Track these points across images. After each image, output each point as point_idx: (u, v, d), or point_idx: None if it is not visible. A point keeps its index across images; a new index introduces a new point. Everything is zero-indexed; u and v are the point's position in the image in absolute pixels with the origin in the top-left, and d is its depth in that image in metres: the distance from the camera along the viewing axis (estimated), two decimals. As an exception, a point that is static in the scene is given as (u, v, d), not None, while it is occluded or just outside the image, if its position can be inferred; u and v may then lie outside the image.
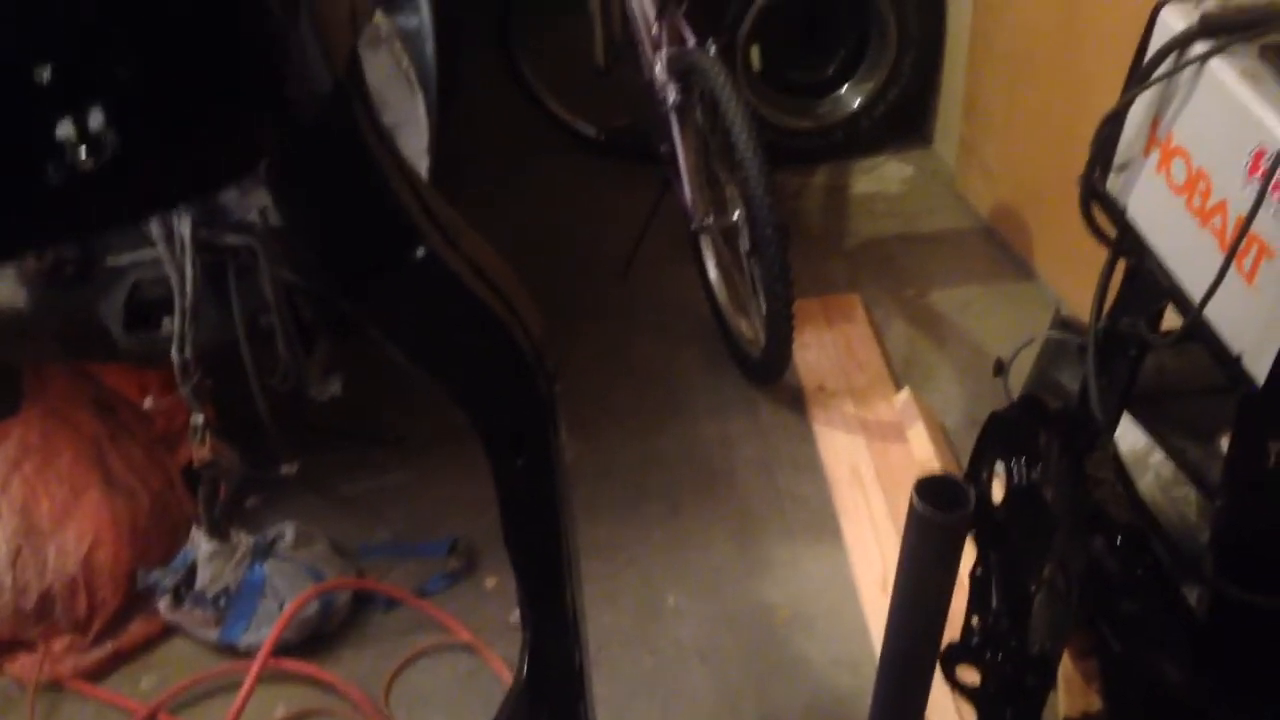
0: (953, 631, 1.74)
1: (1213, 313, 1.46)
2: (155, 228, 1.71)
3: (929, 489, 0.89)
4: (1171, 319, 1.69)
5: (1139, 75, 1.59)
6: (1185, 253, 1.54)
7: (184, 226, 1.68)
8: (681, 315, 2.92)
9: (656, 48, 2.70)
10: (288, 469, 2.10)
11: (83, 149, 0.61)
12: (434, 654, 2.14)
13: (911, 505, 0.90)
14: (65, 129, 0.61)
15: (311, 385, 1.97)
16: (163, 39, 0.63)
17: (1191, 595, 1.65)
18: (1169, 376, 1.80)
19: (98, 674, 2.10)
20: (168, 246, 1.70)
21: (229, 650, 2.10)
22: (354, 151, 1.10)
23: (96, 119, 0.61)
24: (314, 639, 2.12)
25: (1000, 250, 3.11)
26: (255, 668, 1.96)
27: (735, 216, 2.56)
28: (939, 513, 0.88)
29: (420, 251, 1.19)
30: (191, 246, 1.69)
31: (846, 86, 3.51)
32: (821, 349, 2.79)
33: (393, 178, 1.18)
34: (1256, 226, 1.37)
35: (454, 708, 2.03)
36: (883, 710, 1.14)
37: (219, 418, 2.05)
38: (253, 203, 1.73)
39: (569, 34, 3.35)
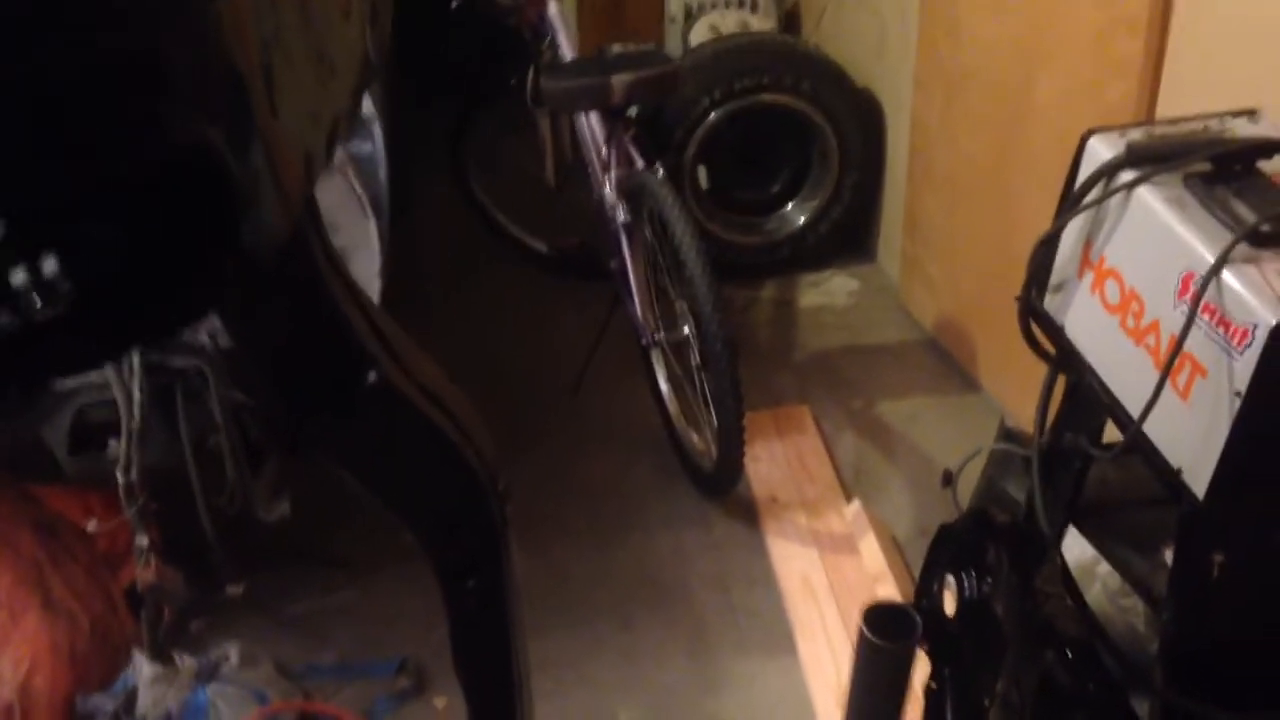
0: (909, 749, 1.73)
1: (1151, 429, 1.50)
2: (105, 348, 1.70)
3: (877, 617, 0.90)
4: (1113, 432, 1.73)
5: (1070, 200, 1.65)
6: (1122, 370, 1.59)
7: (133, 351, 1.68)
8: (633, 430, 2.94)
9: (606, 169, 2.77)
10: (234, 590, 2.06)
11: (37, 297, 0.61)
12: (382, 780, 2.09)
13: (860, 633, 0.90)
14: (19, 277, 0.61)
15: (260, 506, 1.94)
16: (119, 193, 0.64)
17: (1142, 708, 1.66)
18: (1112, 488, 1.83)
19: (31, 807, 2.02)
20: (115, 370, 1.69)
21: (169, 779, 2.04)
22: (308, 285, 1.11)
23: (50, 267, 0.62)
24: (258, 766, 2.07)
25: (945, 362, 3.17)
26: (196, 798, 1.90)
27: (685, 331, 2.61)
28: (887, 641, 0.89)
29: (371, 376, 1.20)
30: (140, 370, 1.68)
31: (792, 204, 3.60)
32: (773, 461, 2.81)
33: (344, 304, 1.19)
34: (1189, 346, 1.42)
35: (403, 835, 1.97)
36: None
37: (164, 539, 2.01)
38: (203, 325, 1.73)
39: (520, 154, 3.43)
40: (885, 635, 0.90)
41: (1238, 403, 1.34)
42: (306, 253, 1.09)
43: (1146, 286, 1.52)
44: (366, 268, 1.83)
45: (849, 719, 1.00)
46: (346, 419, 1.24)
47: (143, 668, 2.03)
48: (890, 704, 0.94)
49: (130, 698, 2.05)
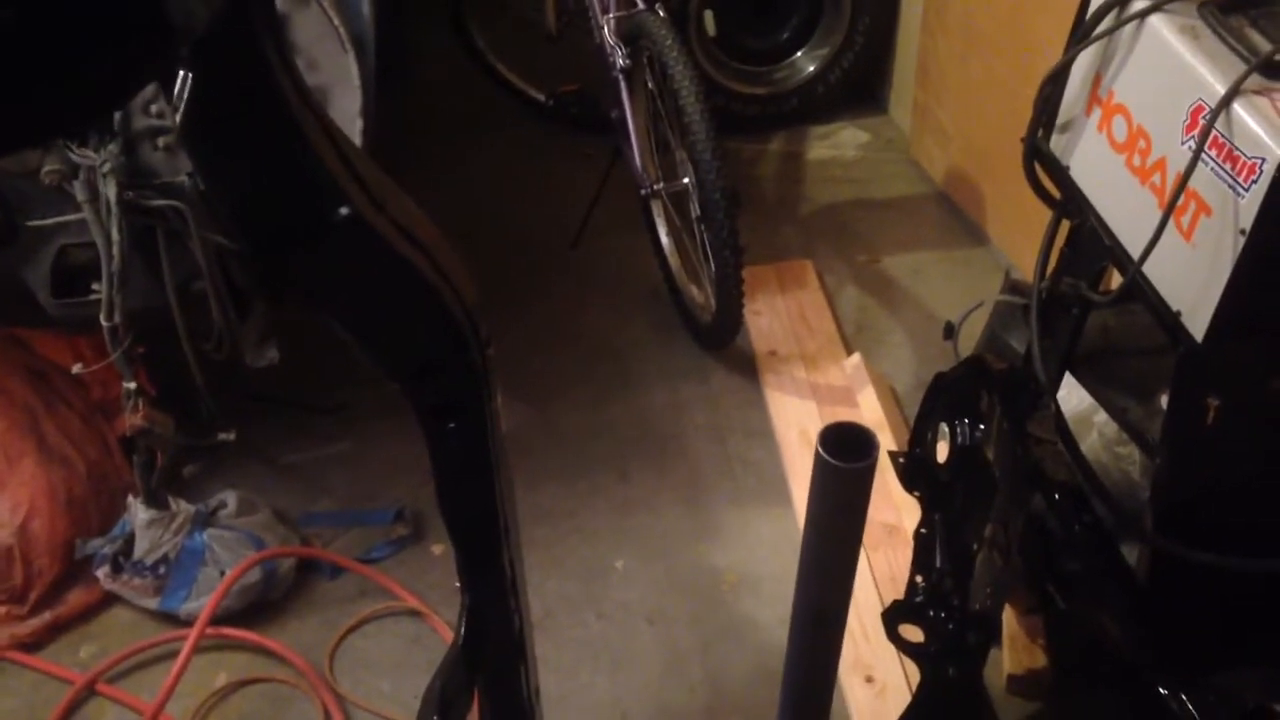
0: (898, 590, 1.74)
1: (1152, 271, 1.46)
2: (80, 189, 1.66)
3: (835, 437, 0.88)
4: (1115, 280, 1.69)
5: (1080, 33, 1.58)
6: (1125, 211, 1.54)
7: (109, 188, 1.64)
8: (632, 285, 2.90)
9: (605, 10, 2.66)
10: (225, 436, 2.06)
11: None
12: (379, 620, 2.12)
13: (817, 454, 0.88)
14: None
15: (247, 352, 1.92)
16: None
17: (1132, 554, 1.66)
18: (1112, 337, 1.80)
19: (35, 644, 2.06)
20: (93, 208, 1.66)
21: (170, 618, 2.07)
22: (268, 104, 1.07)
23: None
24: (257, 607, 2.10)
25: (953, 216, 3.10)
26: (194, 634, 1.93)
27: (685, 181, 2.54)
28: (844, 462, 0.87)
29: (343, 211, 1.16)
30: (118, 208, 1.64)
31: (801, 53, 3.48)
32: (774, 315, 2.77)
33: (313, 134, 1.14)
34: (1194, 183, 1.37)
35: (399, 672, 2.01)
36: (797, 660, 1.13)
37: (154, 385, 2.01)
38: (180, 165, 1.68)
39: (521, 2, 3.31)
40: (843, 456, 0.88)
41: (1241, 241, 1.30)
42: (266, 74, 1.05)
43: (1155, 122, 1.46)
44: (347, 106, 1.77)
45: (806, 542, 0.99)
46: (318, 255, 1.21)
47: (138, 512, 2.05)
48: (848, 527, 0.93)
49: (128, 542, 2.08)
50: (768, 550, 2.21)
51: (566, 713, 1.92)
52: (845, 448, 0.87)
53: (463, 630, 1.56)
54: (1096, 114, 1.58)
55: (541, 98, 3.46)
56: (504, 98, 3.51)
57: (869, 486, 0.90)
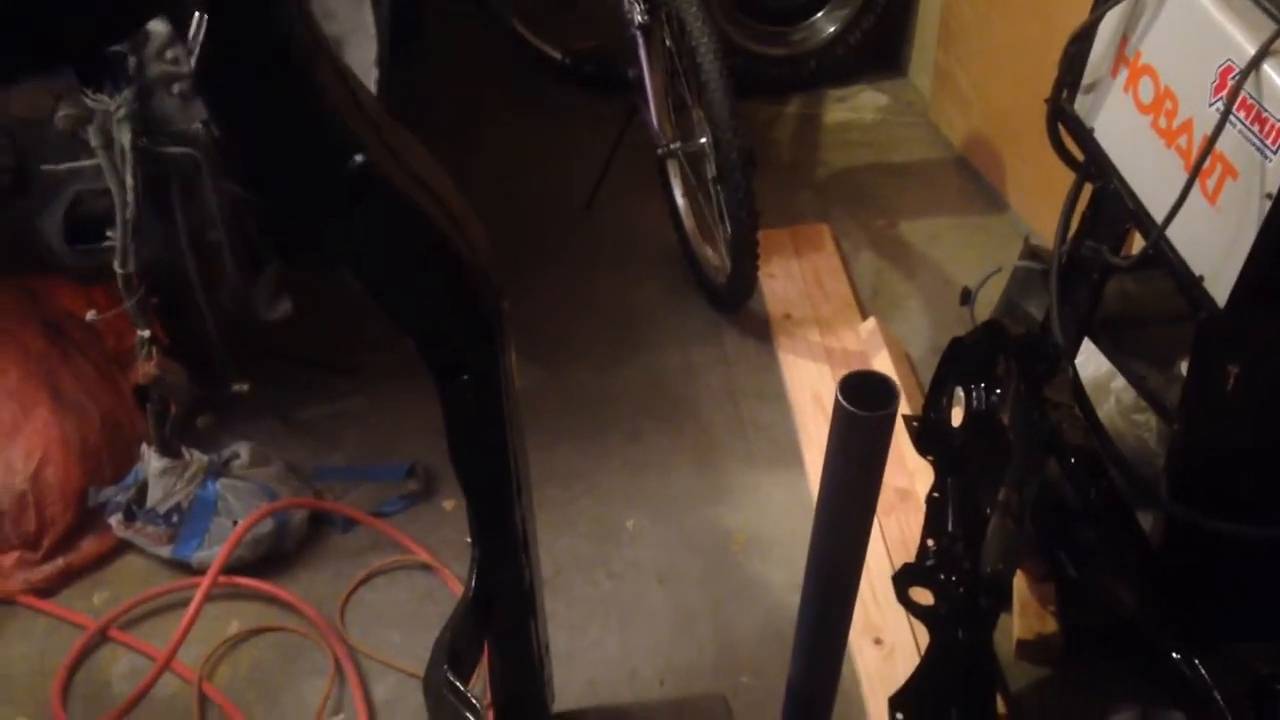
0: (909, 555, 1.74)
1: (1175, 234, 1.44)
2: (94, 135, 1.65)
3: (855, 386, 0.87)
4: (1136, 246, 1.67)
5: (1109, -11, 1.55)
6: (1150, 174, 1.52)
7: (123, 134, 1.63)
8: (646, 247, 2.88)
9: (623, -35, 2.63)
10: (238, 388, 2.06)
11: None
12: (390, 573, 2.12)
13: (836, 402, 0.87)
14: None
15: (260, 305, 1.92)
16: None
17: (1146, 521, 1.65)
18: (1132, 303, 1.78)
19: (49, 589, 2.07)
20: (107, 155, 1.65)
21: (182, 567, 2.08)
22: (283, 49, 1.07)
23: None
24: (270, 558, 2.10)
25: (973, 181, 3.08)
26: (206, 582, 1.94)
27: (701, 141, 2.52)
28: (864, 410, 0.86)
29: (357, 159, 1.15)
30: (133, 155, 1.63)
31: (821, 13, 3.43)
32: (789, 278, 2.75)
33: (328, 81, 1.14)
34: (1221, 145, 1.35)
35: (410, 624, 2.01)
36: (810, 613, 1.13)
37: (167, 335, 2.01)
38: (195, 112, 1.68)
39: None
40: (864, 405, 0.87)
41: (1268, 205, 1.28)
42: (281, 18, 1.04)
43: (1182, 83, 1.43)
44: (363, 56, 1.75)
45: (823, 492, 0.98)
46: (332, 204, 1.21)
47: (152, 460, 2.05)
48: (866, 477, 0.92)
49: (141, 490, 2.08)
50: (779, 513, 2.21)
51: (576, 668, 1.93)
52: (865, 397, 0.87)
53: (474, 583, 1.57)
54: (1123, 74, 1.56)
55: (558, 56, 3.43)
56: (520, 56, 3.49)
57: (889, 436, 0.89)
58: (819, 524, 1.01)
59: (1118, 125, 1.58)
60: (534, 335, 2.60)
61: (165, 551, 2.08)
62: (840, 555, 1.03)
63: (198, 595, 1.96)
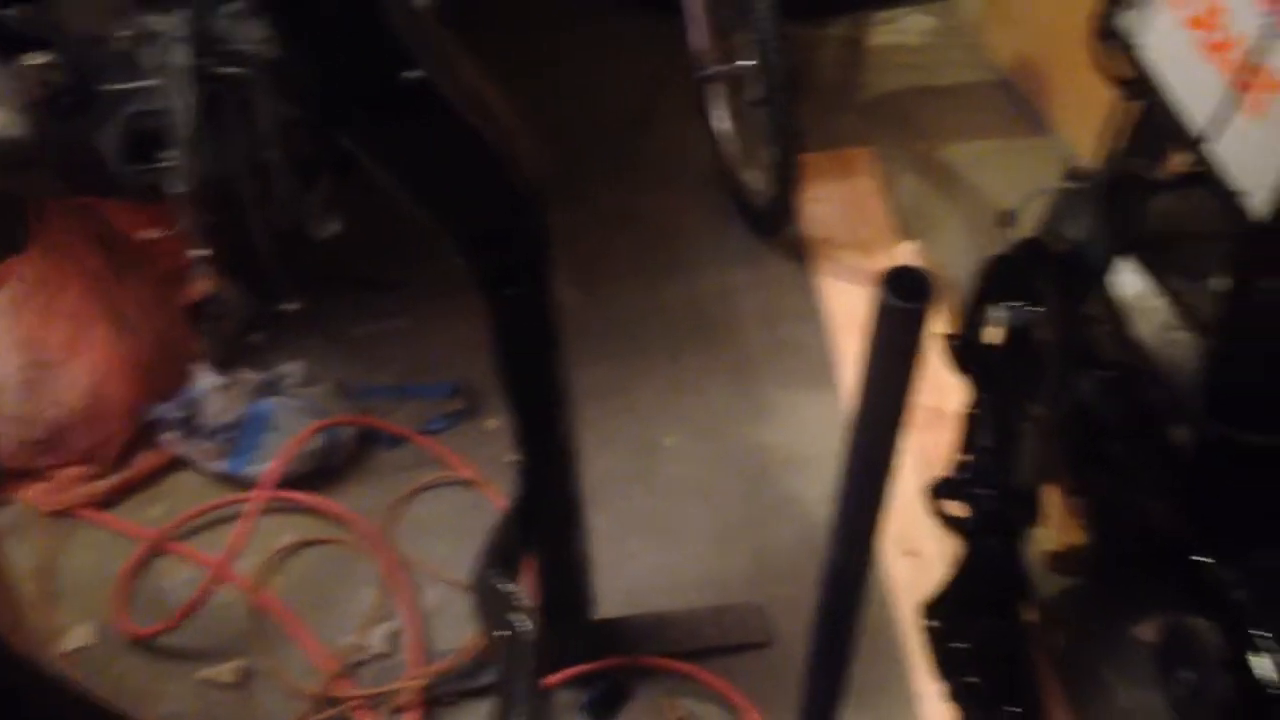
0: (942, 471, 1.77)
1: (1220, 150, 1.44)
2: (151, 55, 1.68)
3: (896, 280, 0.90)
4: (1179, 163, 1.67)
5: (1157, -99, 1.53)
6: (1196, 90, 1.51)
7: (181, 54, 1.66)
8: (688, 170, 2.88)
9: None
10: (290, 306, 2.10)
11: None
12: (436, 488, 2.19)
13: (878, 294, 0.90)
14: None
15: (311, 223, 1.96)
16: None
17: (1180, 437, 1.67)
18: (1172, 221, 1.78)
19: (107, 502, 2.15)
20: (164, 75, 1.68)
21: (235, 481, 2.15)
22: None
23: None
24: (320, 473, 2.17)
25: (1018, 105, 3.05)
26: (259, 496, 2.01)
27: (746, 64, 2.51)
28: (900, 300, 0.89)
29: (410, 73, 1.18)
30: (189, 75, 1.66)
31: (868, -67, 3.39)
32: (829, 203, 2.76)
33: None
34: (1270, 60, 1.34)
35: (456, 536, 2.08)
36: (844, 509, 1.17)
37: (221, 254, 2.05)
38: (250, 32, 1.70)
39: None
40: (903, 299, 0.90)
41: (1312, 118, 1.28)
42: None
43: (1230, -5, 1.42)
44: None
45: (861, 384, 1.01)
46: (384, 117, 1.24)
47: (206, 378, 2.11)
48: (902, 368, 0.95)
49: (195, 407, 2.15)
50: (814, 431, 2.25)
51: (617, 578, 1.98)
52: (904, 291, 0.90)
53: (519, 492, 1.62)
54: (1170, -12, 1.55)
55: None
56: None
57: (923, 328, 0.92)
58: (856, 421, 1.05)
59: (1164, 41, 1.57)
60: (574, 256, 2.62)
61: (220, 466, 2.15)
62: (875, 451, 1.07)
63: (251, 508, 2.03)
